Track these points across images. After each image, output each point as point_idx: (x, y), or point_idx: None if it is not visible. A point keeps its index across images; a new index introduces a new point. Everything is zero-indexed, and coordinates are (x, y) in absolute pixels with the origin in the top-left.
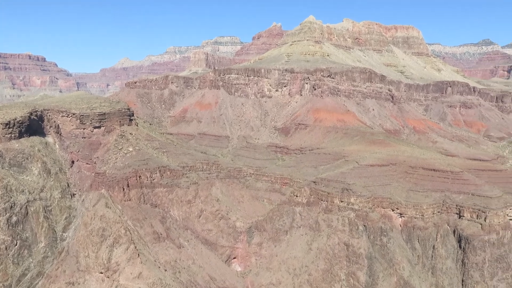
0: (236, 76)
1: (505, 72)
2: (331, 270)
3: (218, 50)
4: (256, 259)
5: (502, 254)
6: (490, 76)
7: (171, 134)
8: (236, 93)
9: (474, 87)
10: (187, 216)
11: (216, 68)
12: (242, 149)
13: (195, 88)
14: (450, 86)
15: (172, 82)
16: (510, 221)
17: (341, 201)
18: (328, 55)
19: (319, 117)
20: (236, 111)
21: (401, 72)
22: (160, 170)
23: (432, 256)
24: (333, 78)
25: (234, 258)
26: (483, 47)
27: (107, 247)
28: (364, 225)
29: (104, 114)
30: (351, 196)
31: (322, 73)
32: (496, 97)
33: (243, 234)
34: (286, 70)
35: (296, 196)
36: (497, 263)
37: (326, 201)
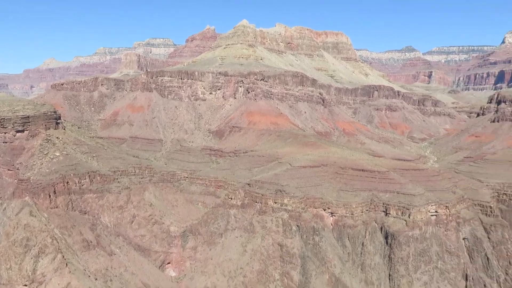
0: (170, 78)
1: (426, 77)
2: (266, 271)
3: (151, 52)
4: (190, 263)
5: (424, 248)
6: (413, 80)
7: (101, 138)
8: (169, 96)
9: (398, 91)
10: (118, 222)
11: (149, 70)
12: (176, 152)
13: (126, 90)
14: (377, 90)
15: (102, 84)
16: (432, 217)
17: (275, 203)
18: (261, 59)
19: (253, 120)
20: (169, 114)
21: (331, 76)
22: (89, 176)
23: (361, 253)
24: (266, 82)
25: (168, 263)
26: (406, 53)
27: (31, 258)
28: (297, 225)
29: (28, 117)
30: (285, 197)
31: (255, 77)
32: (418, 101)
33: (177, 238)
34: (220, 73)
35: (231, 199)
36: (420, 257)
37: (260, 202)
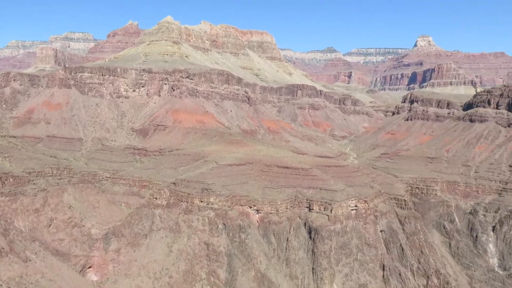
0: (90, 75)
1: (346, 78)
2: (192, 270)
3: (69, 47)
4: (114, 266)
5: (345, 242)
6: (334, 80)
7: (15, 137)
8: (89, 93)
9: (320, 90)
10: (34, 227)
11: (67, 65)
12: (97, 152)
13: (42, 87)
14: (300, 89)
15: (14, 80)
16: (352, 211)
17: (201, 201)
18: (186, 56)
19: (178, 118)
20: (90, 112)
21: (256, 75)
22: (1, 178)
23: (286, 248)
24: (191, 79)
25: (90, 267)
26: (328, 54)
27: None
28: (224, 224)
29: None
30: (211, 196)
31: (180, 74)
32: (339, 100)
33: (99, 241)
34: (144, 70)
35: (156, 199)
36: (341, 250)
37: (186, 202)
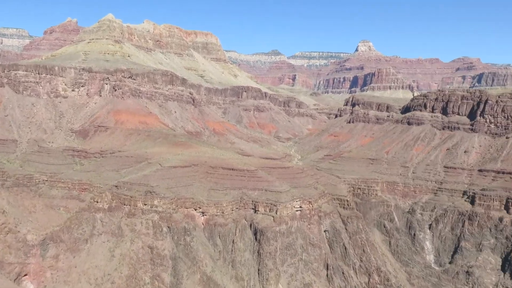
0: (25, 73)
1: (291, 80)
2: (136, 275)
3: (1, 43)
4: (52, 274)
5: (290, 242)
6: (279, 83)
7: None
8: (24, 92)
9: (265, 93)
10: None
11: (0, 63)
12: (34, 154)
13: None
14: (245, 91)
15: None
16: (297, 212)
17: (145, 204)
18: (129, 56)
19: (121, 119)
20: (25, 112)
21: (201, 76)
22: None
23: (232, 250)
24: (134, 80)
25: (25, 275)
26: (272, 56)
27: None
28: (168, 227)
29: None
30: (155, 198)
31: (123, 74)
32: (284, 102)
33: (36, 247)
34: (83, 69)
35: (97, 202)
36: (286, 251)
37: (129, 205)
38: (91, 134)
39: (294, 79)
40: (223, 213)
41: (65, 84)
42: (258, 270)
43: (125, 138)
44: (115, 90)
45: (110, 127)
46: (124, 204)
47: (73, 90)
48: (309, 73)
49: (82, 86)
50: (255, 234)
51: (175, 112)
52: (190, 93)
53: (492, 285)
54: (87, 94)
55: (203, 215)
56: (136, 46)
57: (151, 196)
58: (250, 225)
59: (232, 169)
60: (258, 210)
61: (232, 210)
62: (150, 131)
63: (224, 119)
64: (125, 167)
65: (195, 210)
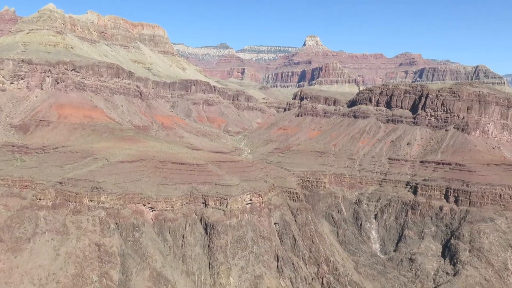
0: None
1: (239, 74)
2: (82, 274)
3: None
4: None
5: (241, 235)
6: (228, 76)
7: None
8: None
9: (214, 86)
10: None
11: None
12: None
13: None
14: (194, 85)
15: None
16: (247, 205)
17: (91, 201)
18: (71, 48)
19: (64, 113)
20: None
21: (148, 69)
22: None
23: (182, 245)
24: (78, 72)
25: None
26: (221, 50)
27: None
28: (116, 223)
29: None
30: (102, 195)
31: (65, 66)
32: (233, 96)
33: None
34: (23, 60)
35: (40, 199)
36: (237, 244)
37: (75, 201)
38: (32, 129)
39: (243, 73)
40: (172, 208)
41: (3, 77)
42: (209, 264)
43: (69, 133)
44: (58, 83)
45: (53, 121)
46: (69, 201)
47: (11, 83)
48: (258, 67)
49: (21, 79)
50: (205, 228)
51: (122, 106)
52: (137, 87)
53: (433, 271)
54: (27, 87)
55: (152, 211)
56: (79, 38)
57: (98, 192)
58: (201, 220)
59: (182, 164)
60: (208, 204)
61: (182, 205)
62: (95, 125)
63: (172, 113)
64: (70, 163)
65: (144, 205)
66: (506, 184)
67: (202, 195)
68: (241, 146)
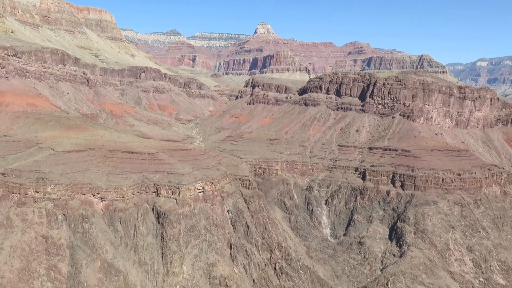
0: None
1: (191, 61)
2: (29, 267)
3: None
4: None
5: (194, 224)
6: (178, 63)
7: None
8: None
9: (165, 73)
10: None
11: None
12: None
13: None
14: (144, 72)
15: None
16: (199, 193)
17: (37, 192)
18: (12, 32)
19: (5, 101)
20: None
21: (95, 56)
22: None
23: (134, 235)
24: (20, 58)
25: None
26: (171, 36)
27: None
28: (64, 214)
29: None
30: (48, 185)
31: (6, 52)
32: (184, 83)
33: None
34: None
35: None
36: (190, 232)
37: (19, 193)
38: None
39: (194, 60)
40: (123, 197)
41: None
42: (162, 253)
43: (11, 122)
44: None
45: None
46: (13, 193)
47: None
48: (209, 55)
49: None
50: (157, 217)
51: (68, 93)
52: (84, 73)
53: (381, 253)
54: None
55: (102, 201)
56: (20, 22)
57: (44, 183)
58: (153, 209)
59: (132, 153)
60: (160, 193)
61: (133, 195)
62: (40, 113)
63: (122, 100)
64: (13, 153)
65: (93, 196)
66: (448, 168)
67: (154, 184)
68: (193, 134)
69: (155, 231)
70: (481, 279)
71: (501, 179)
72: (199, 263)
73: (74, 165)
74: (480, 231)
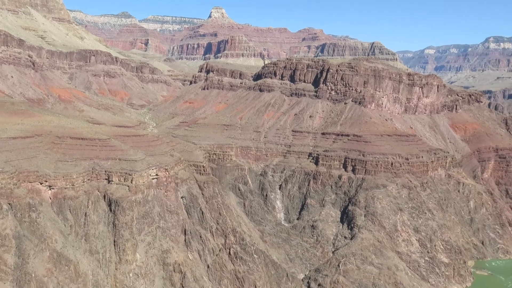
0: None
1: (143, 45)
2: None
3: None
4: None
5: (147, 211)
6: (130, 47)
7: None
8: None
9: (116, 57)
10: None
11: None
12: None
13: None
14: (94, 55)
15: None
16: (153, 180)
17: None
18: None
19: None
20: None
21: (42, 38)
22: None
23: (85, 224)
24: None
25: None
26: (122, 19)
27: None
28: (9, 203)
29: None
30: None
31: None
32: (136, 68)
33: None
34: None
35: None
36: (143, 219)
37: None
38: None
39: (146, 44)
40: (73, 185)
41: None
42: (114, 241)
43: None
44: None
45: None
46: None
47: None
48: (163, 38)
49: None
50: (109, 205)
51: (12, 77)
52: (29, 56)
53: (333, 236)
54: None
55: (50, 189)
56: None
57: None
58: (104, 196)
59: (82, 139)
60: (112, 181)
61: (84, 182)
62: None
63: (71, 85)
64: None
65: (41, 184)
66: (397, 153)
67: (105, 171)
68: (146, 120)
69: (107, 219)
70: (426, 258)
71: (446, 163)
72: (153, 250)
73: (20, 152)
74: (426, 213)
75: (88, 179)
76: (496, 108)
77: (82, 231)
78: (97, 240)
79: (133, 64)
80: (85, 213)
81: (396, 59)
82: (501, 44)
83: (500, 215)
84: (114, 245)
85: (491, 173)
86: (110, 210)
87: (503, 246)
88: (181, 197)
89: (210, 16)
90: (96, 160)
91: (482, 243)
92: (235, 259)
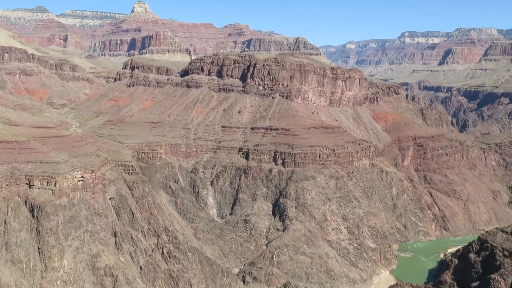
0: None
1: (62, 41)
2: None
3: None
4: None
5: (73, 215)
6: (48, 44)
7: None
8: None
9: (33, 54)
10: None
11: None
12: None
13: None
14: (7, 52)
15: None
16: (78, 182)
17: None
18: None
19: None
20: None
21: None
22: None
23: (5, 232)
24: None
25: None
26: (38, 14)
27: None
28: None
29: None
30: None
31: None
32: (55, 65)
33: None
34: None
35: None
36: (70, 224)
37: None
38: None
39: (66, 40)
40: None
41: None
42: (39, 248)
43: None
44: None
45: None
46: None
47: None
48: (83, 34)
49: None
50: (31, 211)
51: None
52: None
53: (265, 229)
54: None
55: None
56: None
57: None
58: (25, 202)
59: None
60: (34, 185)
61: (2, 188)
62: None
63: None
64: None
65: None
66: (324, 145)
67: (25, 175)
68: (68, 120)
69: (29, 225)
70: (355, 244)
71: (369, 153)
72: (81, 255)
73: None
74: (353, 201)
75: (7, 185)
76: (413, 99)
77: (2, 240)
78: (19, 248)
79: (51, 61)
80: (5, 221)
81: (320, 54)
82: (415, 38)
83: (419, 200)
84: (39, 252)
85: (410, 161)
86: (33, 216)
87: (423, 229)
88: (110, 199)
89: (133, 11)
90: (15, 163)
91: (405, 227)
92: (168, 259)
